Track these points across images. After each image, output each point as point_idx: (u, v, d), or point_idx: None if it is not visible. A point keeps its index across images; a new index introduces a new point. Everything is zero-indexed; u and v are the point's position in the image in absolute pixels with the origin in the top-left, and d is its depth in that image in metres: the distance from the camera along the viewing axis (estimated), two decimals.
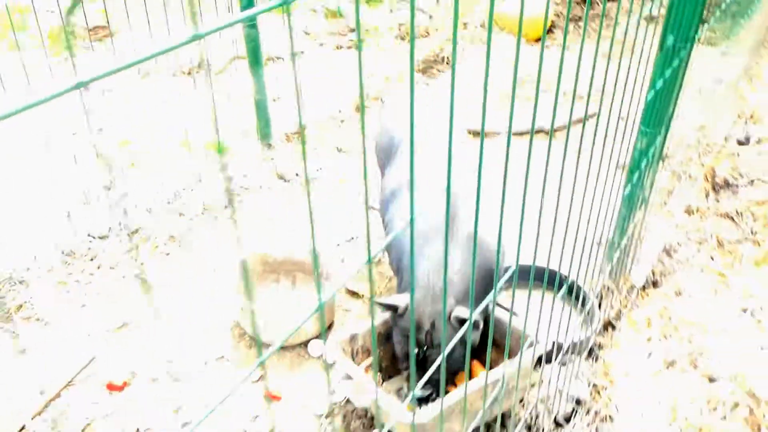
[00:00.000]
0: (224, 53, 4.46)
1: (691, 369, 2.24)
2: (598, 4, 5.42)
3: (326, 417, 2.24)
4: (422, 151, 2.43)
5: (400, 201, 2.31)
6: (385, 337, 2.33)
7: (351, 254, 2.92)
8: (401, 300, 2.07)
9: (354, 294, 2.72)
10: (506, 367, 1.99)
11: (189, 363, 2.44)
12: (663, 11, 2.06)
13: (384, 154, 2.62)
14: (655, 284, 2.74)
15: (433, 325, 2.03)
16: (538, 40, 5.17)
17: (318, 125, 3.89)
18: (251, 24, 3.21)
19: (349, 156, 3.69)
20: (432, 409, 1.88)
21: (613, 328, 2.52)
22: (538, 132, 3.77)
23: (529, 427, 2.16)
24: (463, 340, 2.05)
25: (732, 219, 3.00)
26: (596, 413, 2.21)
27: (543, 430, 2.14)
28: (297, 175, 3.47)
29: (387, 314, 2.18)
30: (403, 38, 5.06)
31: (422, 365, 2.07)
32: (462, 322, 2.01)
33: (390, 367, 2.35)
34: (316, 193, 3.34)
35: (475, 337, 2.13)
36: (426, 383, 2.11)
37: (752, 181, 3.24)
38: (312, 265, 2.75)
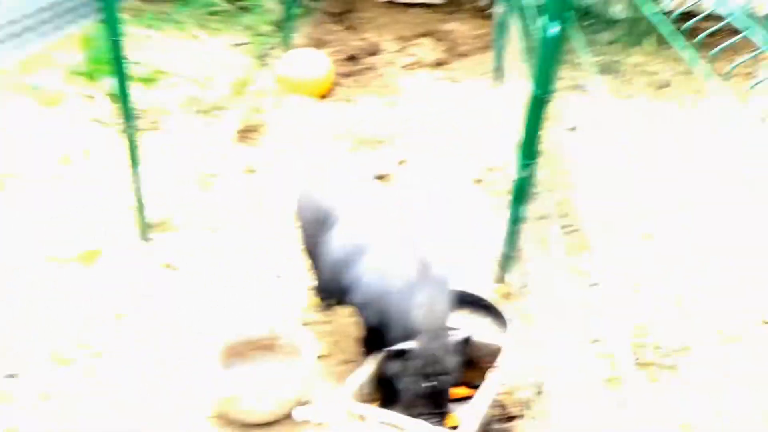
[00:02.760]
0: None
1: None
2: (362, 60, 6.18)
3: None
4: (368, 212, 2.80)
5: (368, 259, 2.64)
6: (378, 381, 2.64)
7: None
8: (409, 344, 2.42)
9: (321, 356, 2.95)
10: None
11: None
12: None
13: (316, 223, 2.92)
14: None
15: (441, 356, 2.43)
16: (323, 97, 5.73)
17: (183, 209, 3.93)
18: (131, 126, 3.25)
19: (219, 232, 3.82)
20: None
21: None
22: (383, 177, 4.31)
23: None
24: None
25: None
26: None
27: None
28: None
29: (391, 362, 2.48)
30: (207, 112, 5.18)
31: (436, 395, 2.46)
32: (463, 343, 2.46)
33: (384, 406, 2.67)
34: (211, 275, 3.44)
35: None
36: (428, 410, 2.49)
37: None
38: (270, 342, 2.90)
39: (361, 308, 2.68)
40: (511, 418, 2.62)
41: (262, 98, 5.40)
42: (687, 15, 1.96)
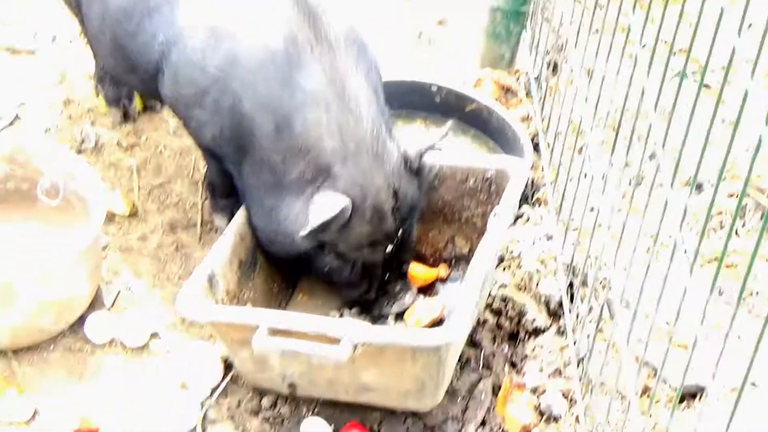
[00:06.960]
0: None
1: None
2: None
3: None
4: None
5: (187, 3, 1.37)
6: (251, 264, 1.40)
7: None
8: (336, 205, 1.25)
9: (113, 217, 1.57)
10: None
11: None
12: None
13: None
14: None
15: (395, 195, 1.32)
16: None
17: None
18: None
19: None
20: (462, 322, 1.18)
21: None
22: None
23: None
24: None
25: None
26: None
27: None
28: None
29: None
30: None
31: (389, 270, 1.40)
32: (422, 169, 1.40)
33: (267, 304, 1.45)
34: None
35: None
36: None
37: None
38: (19, 186, 1.47)
39: (187, 108, 1.40)
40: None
41: None
42: None
